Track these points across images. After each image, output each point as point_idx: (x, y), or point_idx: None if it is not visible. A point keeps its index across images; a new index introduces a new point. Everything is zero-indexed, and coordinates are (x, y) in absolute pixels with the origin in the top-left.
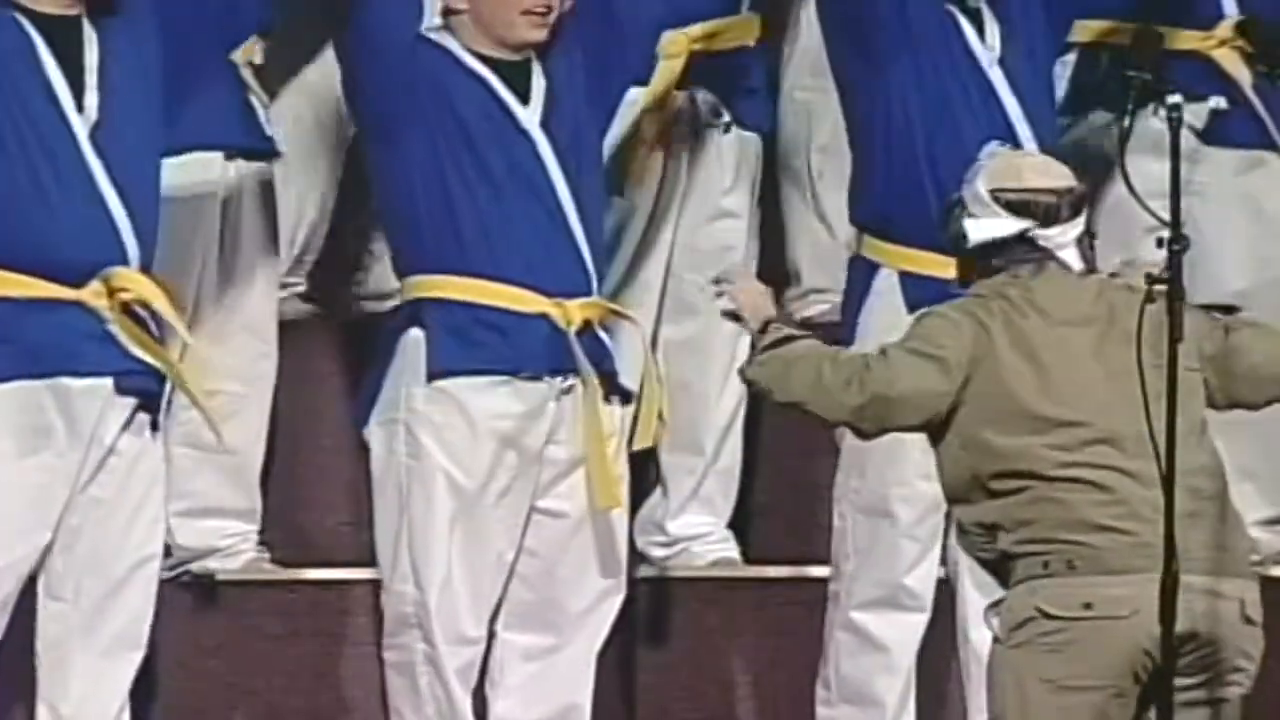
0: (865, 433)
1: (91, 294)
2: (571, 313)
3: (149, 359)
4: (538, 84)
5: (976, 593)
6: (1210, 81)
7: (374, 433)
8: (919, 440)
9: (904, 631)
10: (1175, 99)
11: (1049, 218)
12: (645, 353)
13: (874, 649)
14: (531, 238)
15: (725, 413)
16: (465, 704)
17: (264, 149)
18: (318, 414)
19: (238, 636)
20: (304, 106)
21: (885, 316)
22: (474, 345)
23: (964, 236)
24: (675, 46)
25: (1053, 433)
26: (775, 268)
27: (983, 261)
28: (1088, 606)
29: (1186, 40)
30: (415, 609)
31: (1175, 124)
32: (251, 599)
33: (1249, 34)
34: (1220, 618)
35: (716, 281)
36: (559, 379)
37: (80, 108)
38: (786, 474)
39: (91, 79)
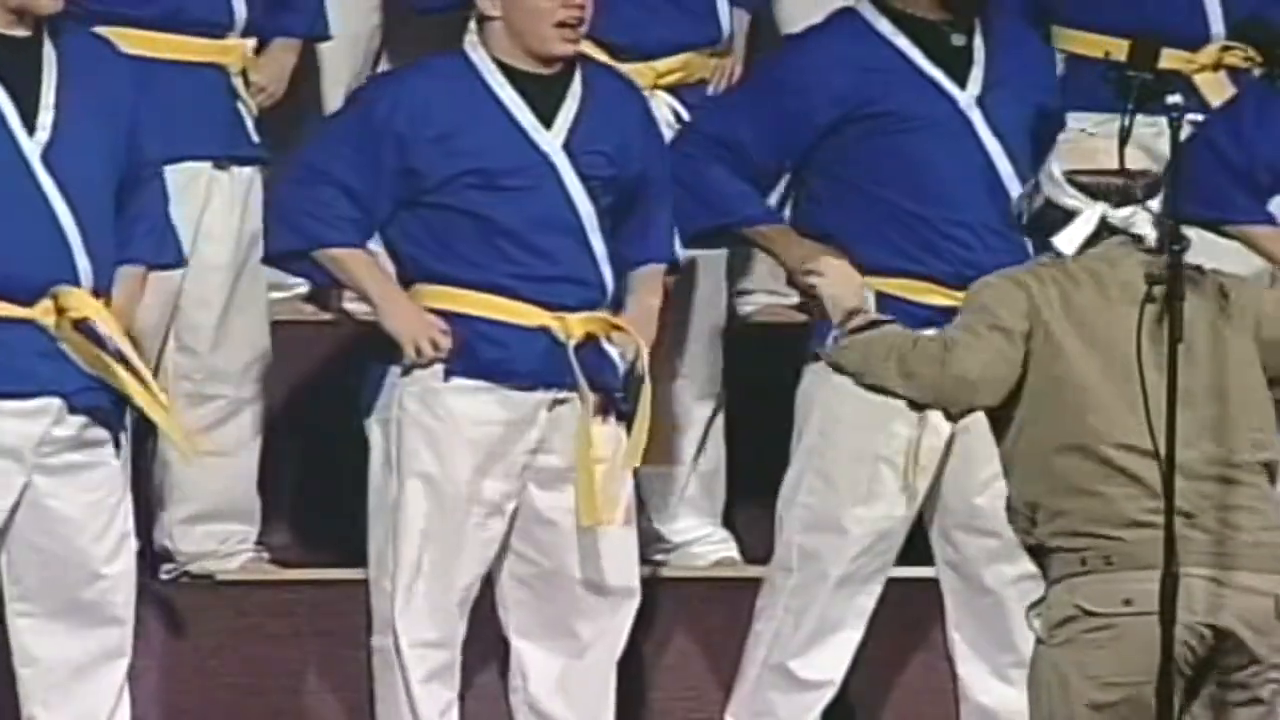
0: (951, 414)
1: (41, 312)
2: (572, 326)
3: (102, 376)
4: (569, 105)
5: (949, 600)
6: (1188, 100)
7: (372, 429)
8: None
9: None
10: (1175, 99)
11: (1124, 198)
12: (644, 370)
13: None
14: (545, 253)
15: (702, 418)
16: (434, 707)
17: (252, 157)
18: (318, 414)
19: (238, 636)
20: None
21: None
22: (469, 358)
23: (1037, 217)
24: (642, 80)
25: (1098, 412)
26: (743, 267)
27: (1046, 238)
28: (1128, 602)
29: (1170, 60)
30: (394, 609)
31: (1175, 124)
32: (251, 599)
33: (1252, 36)
34: (1253, 614)
35: (806, 273)
36: (554, 391)
37: (32, 128)
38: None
39: (48, 98)
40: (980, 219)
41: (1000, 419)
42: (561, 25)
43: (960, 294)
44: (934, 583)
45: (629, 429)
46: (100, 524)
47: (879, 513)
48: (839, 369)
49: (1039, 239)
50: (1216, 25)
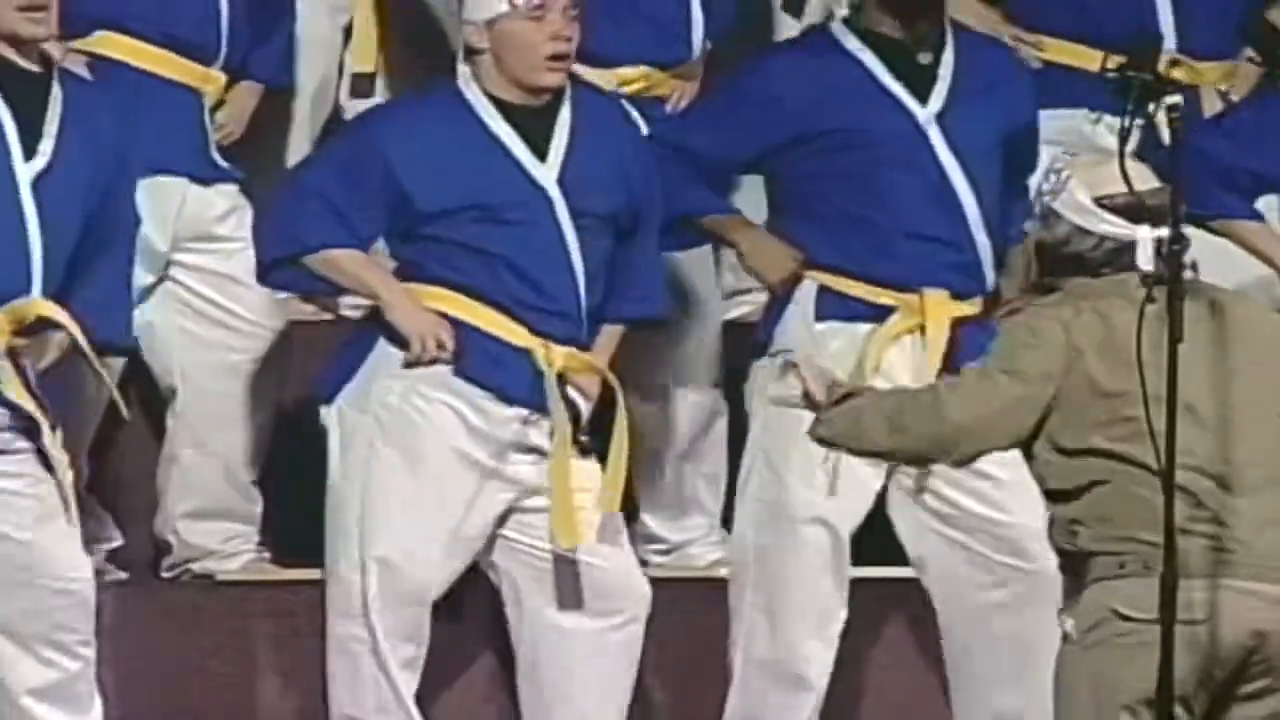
0: (957, 461)
1: None
2: (554, 356)
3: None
4: (560, 135)
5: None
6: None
7: (341, 415)
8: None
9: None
10: (1175, 99)
11: (1160, 219)
12: (619, 411)
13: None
14: (535, 284)
15: (701, 419)
16: (408, 695)
17: (216, 178)
18: (317, 414)
19: (238, 636)
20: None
21: (798, 324)
22: (457, 357)
23: (1062, 246)
24: (603, 85)
25: (1141, 433)
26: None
27: (1075, 265)
28: None
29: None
30: (362, 600)
31: (1175, 124)
32: (251, 599)
33: (1254, 36)
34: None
35: (786, 365)
36: (532, 411)
37: (32, 152)
38: None
39: (51, 128)
40: (933, 233)
41: (1038, 454)
42: (553, 57)
43: (908, 297)
44: None
45: (601, 463)
46: (53, 537)
47: (831, 500)
48: (827, 442)
49: (1063, 266)
50: (1169, 38)
